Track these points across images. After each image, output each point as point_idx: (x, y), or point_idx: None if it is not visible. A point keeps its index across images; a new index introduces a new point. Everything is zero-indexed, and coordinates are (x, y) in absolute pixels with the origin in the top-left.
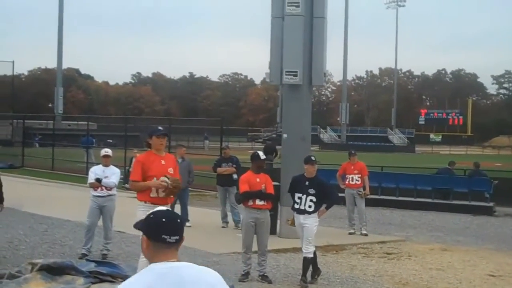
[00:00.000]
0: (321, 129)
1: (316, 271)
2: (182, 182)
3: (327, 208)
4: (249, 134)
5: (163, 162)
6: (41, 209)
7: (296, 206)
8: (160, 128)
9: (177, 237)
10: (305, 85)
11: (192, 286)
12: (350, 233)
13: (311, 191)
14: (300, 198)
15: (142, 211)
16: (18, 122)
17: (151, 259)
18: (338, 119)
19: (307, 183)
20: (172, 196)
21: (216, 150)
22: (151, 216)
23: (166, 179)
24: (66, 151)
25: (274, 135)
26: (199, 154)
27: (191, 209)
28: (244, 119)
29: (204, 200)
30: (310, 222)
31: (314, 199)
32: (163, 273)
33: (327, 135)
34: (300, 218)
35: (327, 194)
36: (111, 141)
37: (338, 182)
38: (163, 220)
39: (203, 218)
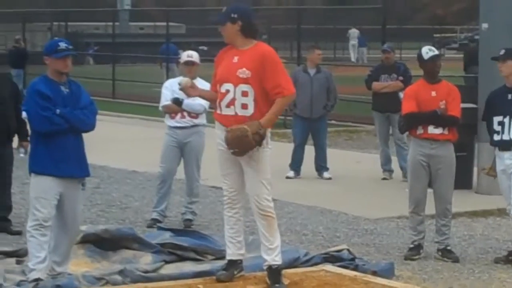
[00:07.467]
0: None
1: None
2: (314, 107)
3: None
4: (435, 35)
5: (235, 59)
6: (91, 156)
7: (497, 137)
8: None
9: None
10: None
11: None
12: None
13: None
14: (501, 123)
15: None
16: (60, 25)
17: None
18: None
19: (509, 96)
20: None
21: (376, 62)
22: None
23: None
24: (135, 69)
25: (478, 36)
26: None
27: (332, 153)
28: (428, 12)
29: (354, 139)
30: None
31: None
32: None
33: None
34: (505, 158)
35: None
36: (205, 48)
37: None
38: None
39: (352, 166)
